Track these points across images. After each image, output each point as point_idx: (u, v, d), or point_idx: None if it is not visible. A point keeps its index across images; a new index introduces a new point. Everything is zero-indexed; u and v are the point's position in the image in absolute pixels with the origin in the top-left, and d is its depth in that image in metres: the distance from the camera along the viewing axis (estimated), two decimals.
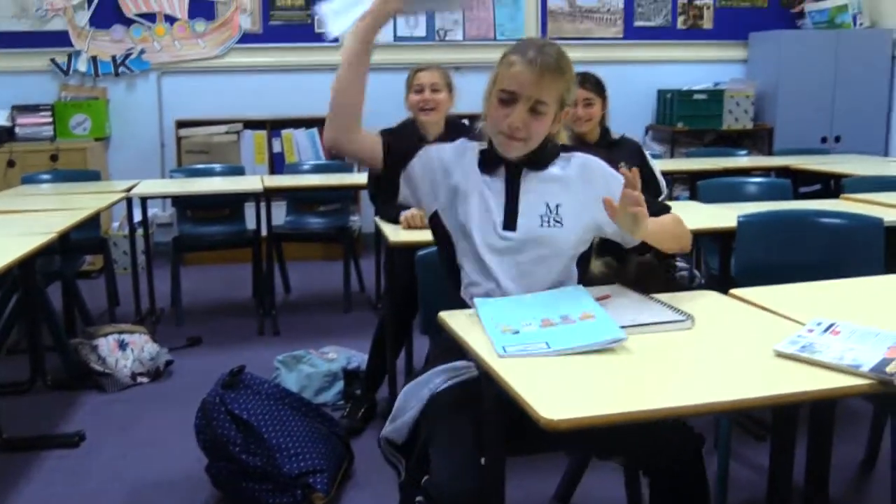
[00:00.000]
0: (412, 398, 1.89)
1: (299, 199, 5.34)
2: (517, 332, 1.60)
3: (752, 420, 3.08)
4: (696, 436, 1.78)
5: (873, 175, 4.23)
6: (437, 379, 1.87)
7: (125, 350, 3.76)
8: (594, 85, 3.44)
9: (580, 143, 3.42)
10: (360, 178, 5.31)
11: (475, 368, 1.70)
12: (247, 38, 6.27)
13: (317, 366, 3.50)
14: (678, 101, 6.57)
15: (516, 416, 1.34)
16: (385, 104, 6.48)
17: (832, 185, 4.92)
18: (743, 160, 5.53)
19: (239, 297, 5.19)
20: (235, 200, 5.05)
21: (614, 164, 1.97)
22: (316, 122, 6.30)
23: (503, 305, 1.75)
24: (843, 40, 6.64)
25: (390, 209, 3.09)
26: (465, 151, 1.99)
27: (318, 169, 5.33)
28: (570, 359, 1.51)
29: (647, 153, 3.50)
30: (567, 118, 3.19)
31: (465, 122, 3.55)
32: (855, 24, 6.77)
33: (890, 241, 2.77)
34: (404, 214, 3.04)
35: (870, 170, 4.55)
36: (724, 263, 3.00)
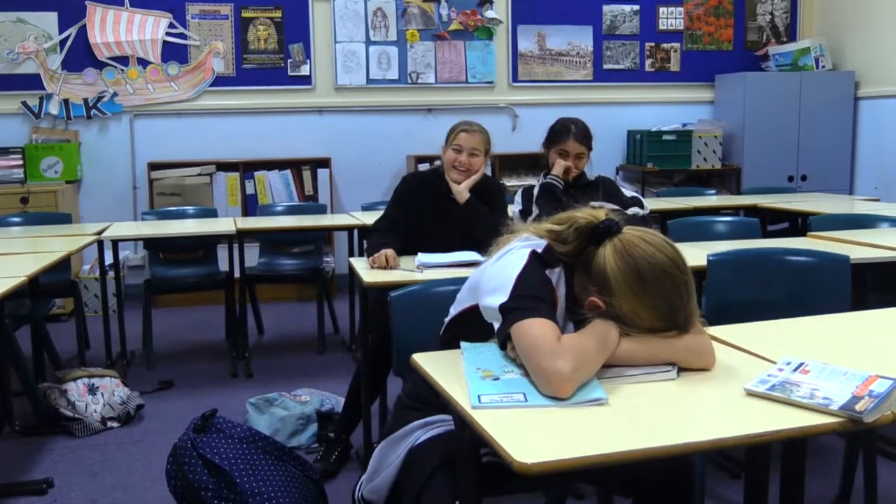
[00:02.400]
0: (389, 454, 1.88)
1: (272, 241, 5.32)
2: (497, 379, 1.58)
3: (726, 458, 3.08)
4: (687, 462, 1.79)
5: (839, 213, 4.29)
6: (413, 434, 1.86)
7: (95, 394, 3.70)
8: (586, 139, 3.55)
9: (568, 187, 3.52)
10: (334, 219, 5.32)
11: (451, 422, 1.68)
12: (220, 80, 6.29)
13: (290, 408, 3.46)
14: (648, 142, 6.66)
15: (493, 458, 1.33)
16: (360, 145, 6.54)
17: (799, 224, 4.98)
18: (712, 199, 5.60)
19: (211, 339, 5.13)
20: (208, 242, 5.02)
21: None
22: (289, 165, 6.30)
23: (488, 349, 1.74)
24: (807, 82, 6.78)
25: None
26: None
27: (291, 210, 5.32)
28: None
29: (619, 183, 3.66)
30: (558, 169, 3.29)
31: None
32: (817, 66, 6.92)
33: (857, 278, 2.81)
34: (376, 254, 3.05)
35: (836, 208, 4.62)
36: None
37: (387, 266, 3.03)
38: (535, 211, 3.45)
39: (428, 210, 3.36)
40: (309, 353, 4.79)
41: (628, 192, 3.63)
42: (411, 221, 3.33)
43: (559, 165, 3.50)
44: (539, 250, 1.76)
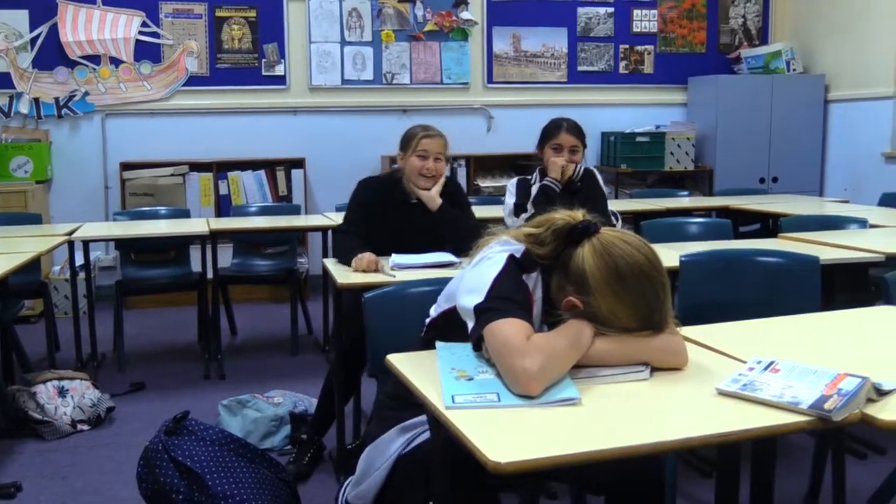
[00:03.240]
0: (377, 459, 1.88)
1: (246, 242, 5.30)
2: (471, 379, 1.59)
3: (698, 457, 3.11)
4: (658, 462, 1.80)
5: (809, 214, 4.34)
6: (399, 439, 1.86)
7: (65, 397, 3.66)
8: (579, 133, 3.58)
9: (563, 188, 3.52)
10: (308, 220, 5.30)
11: None
12: (193, 80, 6.24)
13: (262, 410, 3.44)
14: (621, 144, 6.70)
15: (468, 459, 1.34)
16: (335, 146, 6.51)
17: (770, 225, 5.03)
18: (685, 201, 5.64)
19: (183, 340, 5.10)
20: (181, 243, 4.98)
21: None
22: (262, 165, 6.27)
23: (462, 350, 1.74)
24: (778, 85, 6.85)
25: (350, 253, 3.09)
26: None
27: (264, 211, 5.29)
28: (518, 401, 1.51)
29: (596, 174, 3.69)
30: (555, 171, 3.27)
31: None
32: (788, 69, 7.00)
33: (826, 279, 2.84)
34: (357, 259, 3.02)
35: (806, 209, 4.67)
36: None
37: (372, 269, 2.98)
38: (531, 210, 3.45)
39: (390, 217, 3.32)
40: (282, 354, 4.77)
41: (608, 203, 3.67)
42: (373, 228, 3.26)
43: (555, 166, 3.50)
44: (517, 255, 1.78)
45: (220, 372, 4.38)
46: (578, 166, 3.58)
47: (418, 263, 3.06)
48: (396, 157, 3.43)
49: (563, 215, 1.77)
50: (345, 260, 3.12)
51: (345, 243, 3.19)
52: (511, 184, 3.70)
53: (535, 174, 3.67)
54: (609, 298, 1.64)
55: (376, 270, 2.98)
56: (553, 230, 1.76)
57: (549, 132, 3.62)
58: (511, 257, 1.76)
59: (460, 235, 3.15)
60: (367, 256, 3.01)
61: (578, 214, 1.76)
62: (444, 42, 6.63)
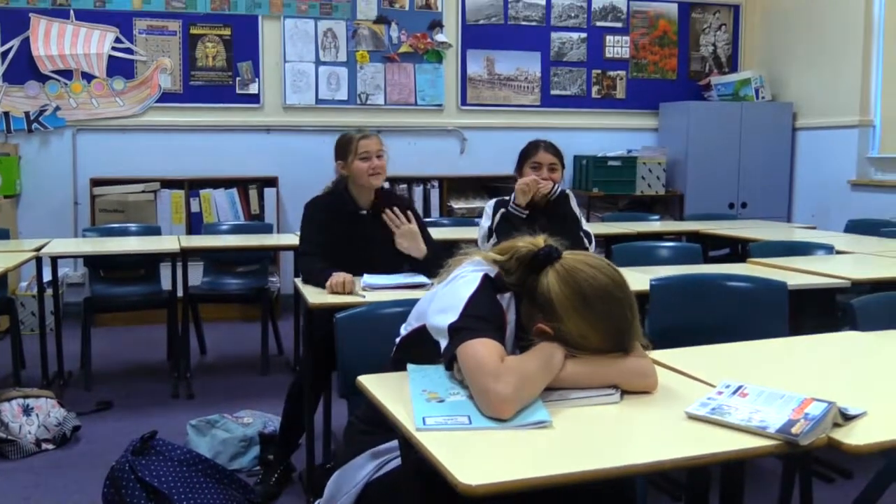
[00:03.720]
0: (345, 484, 1.87)
1: (217, 260, 5.26)
2: (442, 401, 1.59)
3: (668, 480, 3.12)
4: (631, 483, 1.81)
5: (778, 240, 4.39)
6: (369, 465, 1.85)
7: (30, 415, 3.60)
8: (556, 150, 3.60)
9: (534, 209, 3.51)
10: (280, 238, 5.29)
11: None
12: (167, 97, 6.22)
13: (231, 431, 3.41)
14: (593, 167, 6.75)
15: (439, 482, 1.33)
16: (308, 165, 6.50)
17: (739, 250, 5.09)
18: (655, 225, 5.69)
19: (152, 359, 5.04)
20: (151, 260, 4.95)
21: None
22: (235, 183, 6.25)
23: (434, 371, 1.74)
24: (748, 112, 6.96)
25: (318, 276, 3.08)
26: None
27: (236, 229, 5.27)
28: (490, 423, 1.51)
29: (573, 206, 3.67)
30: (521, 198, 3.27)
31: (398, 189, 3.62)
32: (757, 96, 7.11)
33: (794, 304, 2.88)
34: (332, 279, 3.00)
35: (774, 235, 4.73)
36: None
37: (345, 291, 2.96)
38: (494, 240, 3.44)
39: (346, 233, 3.32)
40: (252, 374, 4.73)
41: (582, 221, 3.65)
42: (332, 247, 3.25)
43: (521, 192, 3.45)
44: (492, 275, 1.78)
45: (189, 391, 4.34)
46: (556, 186, 3.58)
47: (390, 284, 3.06)
48: (335, 168, 3.42)
49: (525, 243, 1.78)
50: (316, 281, 3.10)
51: (313, 265, 3.17)
52: (489, 206, 3.70)
53: (513, 196, 3.68)
54: (577, 322, 1.65)
55: (350, 292, 2.97)
56: (517, 258, 1.77)
57: (528, 152, 3.63)
58: (486, 276, 1.77)
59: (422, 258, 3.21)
60: (343, 276, 2.99)
61: (540, 241, 1.77)
62: (418, 63, 6.66)
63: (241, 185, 6.27)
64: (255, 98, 6.37)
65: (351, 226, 3.34)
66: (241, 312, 6.07)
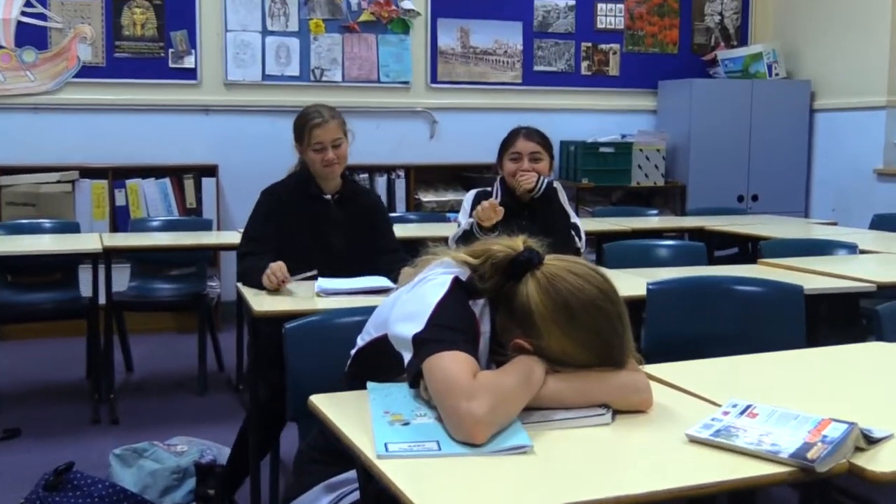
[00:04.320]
0: None
1: (146, 262, 5.23)
2: (407, 424, 1.59)
3: None
4: None
5: (793, 238, 4.44)
6: (323, 499, 1.85)
7: None
8: (542, 138, 3.60)
9: (518, 203, 3.52)
10: (220, 237, 5.26)
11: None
12: (87, 71, 6.16)
13: (162, 461, 3.39)
14: (583, 155, 6.79)
15: None
16: (253, 151, 6.47)
17: (749, 249, 5.14)
18: (653, 220, 5.73)
19: (69, 378, 5.00)
20: (68, 263, 4.91)
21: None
22: (168, 172, 6.20)
23: (398, 390, 1.74)
24: (759, 91, 7.03)
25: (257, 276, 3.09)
26: None
27: (169, 226, 5.23)
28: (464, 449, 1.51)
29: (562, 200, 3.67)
30: (484, 213, 3.29)
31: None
32: (770, 73, 7.18)
33: (811, 311, 2.91)
34: (268, 272, 3.05)
35: (789, 232, 4.78)
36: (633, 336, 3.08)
37: (282, 282, 3.05)
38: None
39: (307, 217, 3.43)
40: (187, 394, 4.71)
41: (572, 214, 3.67)
42: (289, 237, 3.37)
43: (480, 214, 3.43)
44: (463, 278, 1.78)
45: (113, 415, 4.31)
46: (542, 179, 3.58)
47: (349, 289, 3.06)
48: (294, 148, 3.55)
49: (501, 246, 1.77)
50: (255, 282, 3.15)
51: (252, 264, 3.24)
52: (467, 199, 3.70)
53: (495, 186, 3.69)
54: (559, 338, 1.66)
55: (285, 280, 3.06)
56: (492, 263, 1.76)
57: (507, 141, 3.65)
58: (456, 280, 1.77)
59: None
60: (275, 265, 3.07)
61: (518, 243, 1.77)
62: (381, 34, 6.66)
63: (175, 174, 6.23)
64: (191, 73, 6.33)
65: (313, 211, 3.45)
66: (174, 322, 6.03)
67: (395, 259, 3.30)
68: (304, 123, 3.47)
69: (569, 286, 1.67)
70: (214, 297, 5.73)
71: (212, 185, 6.25)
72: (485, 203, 3.45)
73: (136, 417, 4.32)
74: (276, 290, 3.07)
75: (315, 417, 1.74)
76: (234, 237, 4.84)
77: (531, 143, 3.59)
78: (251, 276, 3.20)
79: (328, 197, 3.49)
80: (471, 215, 3.54)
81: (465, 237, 3.43)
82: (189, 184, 6.24)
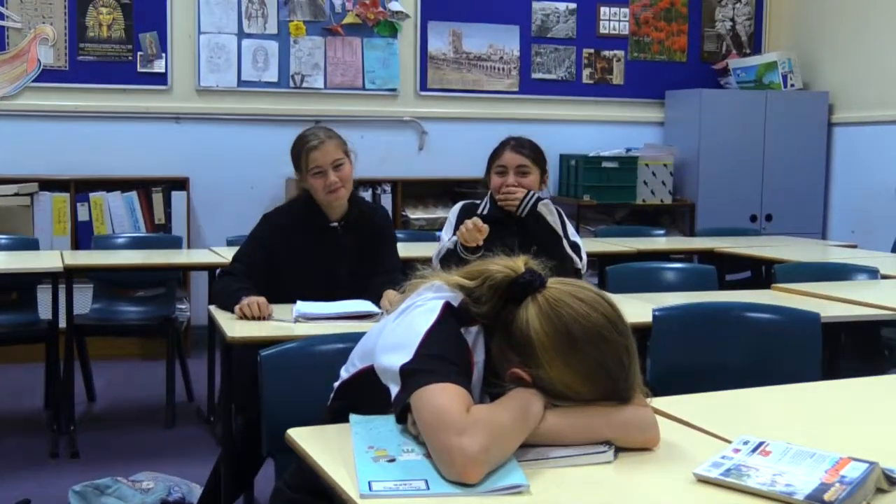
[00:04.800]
0: None
1: (111, 282, 5.22)
2: (393, 461, 1.58)
3: None
4: None
5: (809, 261, 4.46)
6: None
7: None
8: (531, 150, 3.60)
9: (508, 218, 3.52)
10: (190, 255, 5.25)
11: None
12: (48, 75, 6.17)
13: (126, 498, 3.38)
14: (584, 170, 6.80)
15: None
16: (227, 163, 6.47)
17: (763, 273, 5.15)
18: (660, 241, 5.74)
19: (25, 408, 4.99)
20: (25, 282, 4.89)
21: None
22: (135, 185, 6.20)
23: (383, 424, 1.73)
24: (773, 103, 7.07)
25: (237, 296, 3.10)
26: None
27: (136, 243, 5.22)
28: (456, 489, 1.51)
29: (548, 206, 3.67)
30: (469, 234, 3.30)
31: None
32: (785, 84, 7.21)
33: (828, 341, 2.92)
34: (244, 301, 3.05)
35: (806, 255, 4.80)
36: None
37: (259, 316, 3.03)
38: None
39: (311, 247, 3.40)
40: (154, 426, 4.69)
41: (571, 232, 3.67)
42: (288, 269, 3.35)
43: (462, 235, 3.41)
44: (455, 303, 1.78)
45: (73, 448, 4.29)
46: (529, 195, 3.59)
47: (330, 313, 3.06)
48: (294, 179, 3.55)
49: (500, 266, 1.77)
50: (226, 304, 3.16)
51: (228, 285, 3.24)
52: (453, 212, 3.71)
53: (485, 200, 3.70)
54: (560, 369, 1.66)
55: (264, 317, 3.03)
56: (490, 285, 1.76)
57: (494, 153, 3.67)
58: (447, 305, 1.77)
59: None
60: (254, 300, 3.06)
61: (520, 263, 1.77)
62: (367, 38, 6.68)
63: (143, 187, 6.22)
64: (161, 78, 6.34)
65: (318, 241, 3.42)
66: (140, 348, 6.02)
67: (387, 280, 3.26)
68: (301, 149, 3.43)
69: (573, 313, 1.67)
70: (184, 320, 5.71)
71: (182, 200, 6.25)
72: (468, 223, 3.41)
73: (97, 451, 4.30)
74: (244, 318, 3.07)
75: (293, 453, 1.74)
76: (205, 256, 4.85)
77: (519, 155, 3.60)
78: (223, 297, 3.21)
79: (335, 224, 3.46)
80: (454, 232, 3.53)
81: (449, 256, 3.44)
82: (158, 198, 6.23)
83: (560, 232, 3.61)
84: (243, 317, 3.04)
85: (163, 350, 5.06)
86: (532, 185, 3.61)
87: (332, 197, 3.41)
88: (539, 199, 3.61)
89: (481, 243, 3.37)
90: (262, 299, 3.07)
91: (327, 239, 3.43)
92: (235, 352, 2.93)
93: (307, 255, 3.38)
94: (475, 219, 3.45)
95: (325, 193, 3.39)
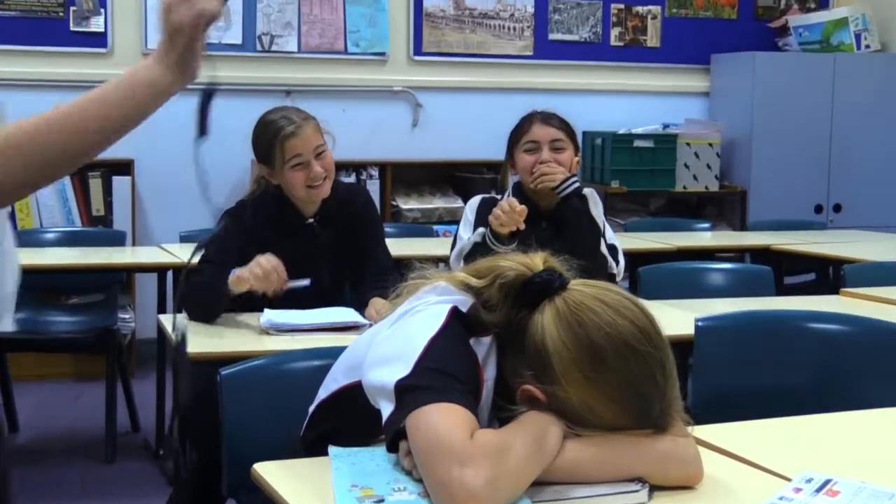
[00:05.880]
0: None
1: (38, 287, 5.21)
2: (381, 501, 1.59)
3: None
4: None
5: (887, 261, 4.44)
6: None
7: None
8: (562, 124, 3.60)
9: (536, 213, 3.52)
10: (135, 254, 5.25)
11: None
12: None
13: None
14: (613, 150, 6.80)
15: None
16: (180, 142, 6.44)
17: (831, 275, 5.15)
18: (705, 237, 5.75)
19: None
20: None
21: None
22: None
23: (369, 458, 1.74)
24: (844, 68, 7.06)
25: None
26: None
27: (69, 240, 5.22)
28: None
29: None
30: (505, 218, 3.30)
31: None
32: (858, 45, 7.19)
33: None
34: (255, 265, 3.09)
35: (882, 253, 4.80)
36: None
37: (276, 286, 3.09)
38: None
39: (284, 252, 3.35)
40: (91, 461, 4.69)
41: (608, 231, 3.68)
42: None
43: (497, 218, 3.39)
44: (464, 308, 1.78)
45: None
46: (570, 180, 3.58)
47: (304, 325, 3.06)
48: (260, 174, 3.52)
49: (514, 263, 1.77)
50: (208, 299, 3.17)
51: (204, 280, 3.20)
52: (470, 207, 3.70)
53: (507, 193, 3.70)
54: (582, 388, 1.65)
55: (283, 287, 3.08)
56: (500, 284, 1.76)
57: (519, 128, 3.66)
58: (454, 311, 1.77)
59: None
60: (266, 262, 3.10)
61: (537, 260, 1.77)
62: None
63: (78, 172, 6.21)
64: (99, 39, 6.34)
65: (293, 241, 3.41)
66: (74, 367, 6.02)
67: (378, 282, 3.23)
68: (273, 137, 3.41)
69: (597, 320, 1.67)
70: (127, 333, 5.72)
71: (125, 187, 6.24)
72: (503, 204, 3.39)
73: (22, 491, 4.30)
74: (239, 298, 3.12)
75: (260, 492, 1.75)
76: (154, 255, 4.85)
77: (551, 128, 3.60)
78: (201, 294, 3.18)
79: (311, 220, 3.48)
80: (475, 227, 3.52)
81: (475, 253, 3.41)
82: (95, 184, 6.23)
83: (602, 226, 3.62)
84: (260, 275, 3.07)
85: (101, 369, 5.05)
86: (568, 163, 3.61)
87: (315, 193, 3.41)
88: (578, 186, 3.61)
89: (522, 227, 3.35)
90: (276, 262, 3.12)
91: (303, 238, 3.44)
92: (191, 370, 2.93)
93: (281, 256, 3.32)
94: (510, 199, 3.44)
95: (306, 189, 3.39)
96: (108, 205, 6.24)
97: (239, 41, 6.53)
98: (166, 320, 3.22)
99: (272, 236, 3.40)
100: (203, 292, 3.19)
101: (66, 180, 6.18)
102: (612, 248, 3.62)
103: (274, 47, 6.59)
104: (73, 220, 6.16)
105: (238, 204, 3.50)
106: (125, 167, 6.27)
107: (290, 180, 3.39)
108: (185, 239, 5.13)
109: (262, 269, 3.07)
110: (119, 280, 5.50)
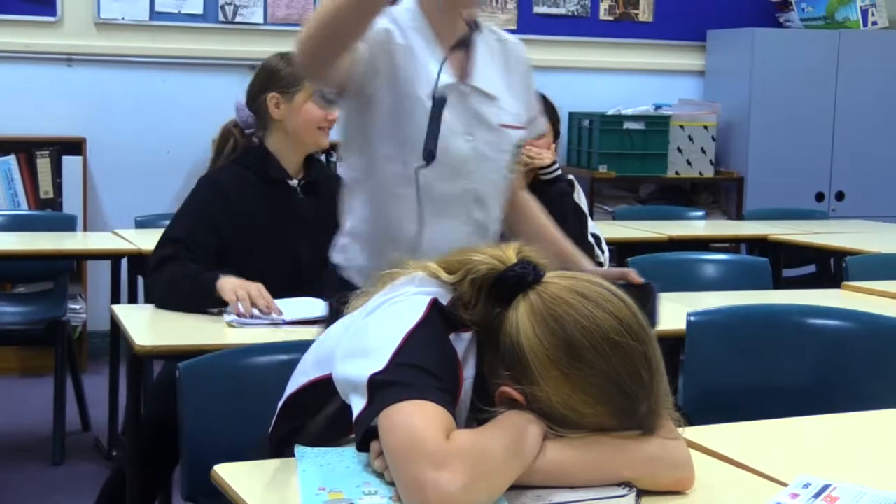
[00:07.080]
0: None
1: None
2: None
3: None
4: None
5: (892, 253, 4.46)
6: None
7: None
8: (542, 102, 3.61)
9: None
10: (87, 239, 5.23)
11: None
12: None
13: None
14: (601, 133, 6.80)
15: None
16: (136, 119, 6.46)
17: (832, 267, 5.17)
18: (699, 226, 5.76)
19: None
20: None
21: None
22: (13, 147, 6.17)
23: (338, 458, 1.74)
24: (849, 46, 7.08)
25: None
26: None
27: (14, 223, 5.20)
28: None
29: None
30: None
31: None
32: (865, 22, 7.19)
33: None
34: (237, 287, 3.08)
35: (886, 244, 4.82)
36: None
37: (263, 307, 3.07)
38: None
39: (265, 215, 3.41)
40: (37, 462, 4.70)
41: (589, 221, 3.70)
42: (236, 249, 3.35)
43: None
44: (444, 300, 1.77)
45: None
46: (555, 164, 3.59)
47: (270, 320, 3.06)
48: (267, 103, 3.47)
49: (486, 256, 1.77)
50: (188, 298, 3.16)
51: (179, 271, 3.21)
52: None
53: None
54: (560, 386, 1.65)
55: (268, 308, 3.07)
56: (472, 280, 1.76)
57: None
58: (434, 303, 1.77)
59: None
60: (252, 285, 3.10)
61: (510, 252, 1.77)
62: None
63: (24, 149, 6.20)
64: (48, 7, 6.31)
65: (273, 205, 3.43)
66: (19, 361, 6.01)
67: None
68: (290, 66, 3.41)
69: (573, 313, 1.67)
70: (78, 325, 5.71)
71: (76, 167, 6.22)
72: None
73: None
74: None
75: (221, 496, 1.75)
76: (107, 241, 4.83)
77: None
78: (178, 290, 3.19)
79: (293, 183, 3.48)
80: None
81: None
82: (44, 164, 6.21)
83: (587, 213, 3.64)
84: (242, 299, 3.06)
85: (49, 363, 5.05)
86: (545, 148, 3.61)
87: (320, 137, 3.46)
88: (559, 172, 3.63)
89: None
90: (257, 284, 3.12)
91: (284, 202, 3.44)
92: (146, 365, 2.93)
93: (259, 226, 3.39)
94: None
95: (316, 130, 3.44)
96: (58, 186, 6.22)
97: (200, 11, 6.50)
98: (120, 311, 3.20)
99: (251, 199, 3.40)
100: (175, 290, 3.22)
101: (12, 159, 6.15)
102: (596, 238, 3.64)
103: (238, 18, 6.57)
104: (18, 203, 6.13)
105: (215, 168, 3.51)
106: (76, 146, 6.24)
107: (309, 111, 3.41)
108: (140, 224, 5.10)
109: (251, 302, 3.08)
110: (69, 268, 5.47)
